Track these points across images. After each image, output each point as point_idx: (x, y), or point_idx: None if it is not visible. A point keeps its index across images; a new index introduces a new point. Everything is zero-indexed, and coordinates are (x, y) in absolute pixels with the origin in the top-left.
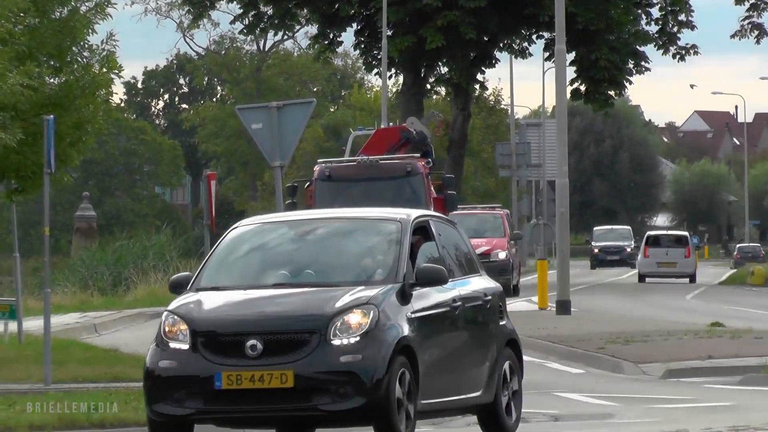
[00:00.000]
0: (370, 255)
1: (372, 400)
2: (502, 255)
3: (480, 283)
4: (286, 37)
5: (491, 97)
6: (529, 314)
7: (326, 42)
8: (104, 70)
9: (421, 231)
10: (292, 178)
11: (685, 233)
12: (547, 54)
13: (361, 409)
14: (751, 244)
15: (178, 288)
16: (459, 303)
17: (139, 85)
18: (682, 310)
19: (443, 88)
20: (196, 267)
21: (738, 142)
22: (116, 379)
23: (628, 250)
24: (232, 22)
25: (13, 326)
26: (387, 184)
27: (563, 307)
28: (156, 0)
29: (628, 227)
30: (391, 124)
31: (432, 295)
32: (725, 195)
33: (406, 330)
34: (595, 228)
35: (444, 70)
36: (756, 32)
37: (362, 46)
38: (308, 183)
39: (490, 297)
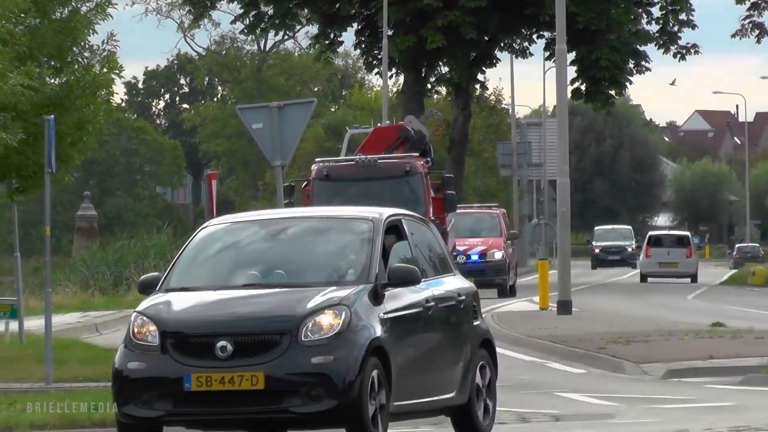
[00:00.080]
0: (342, 255)
1: (344, 402)
2: (498, 255)
3: (453, 282)
4: (286, 37)
5: (492, 97)
6: (530, 314)
7: (327, 42)
8: (105, 70)
9: (394, 230)
10: (293, 177)
11: (687, 233)
12: (547, 53)
13: (332, 411)
14: (750, 244)
15: (147, 288)
16: (432, 303)
17: (140, 85)
18: (683, 310)
19: (444, 88)
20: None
21: (739, 142)
22: None
23: (629, 249)
24: (233, 22)
25: (14, 326)
26: (385, 184)
27: (564, 307)
28: (157, 0)
29: (629, 227)
30: (388, 123)
31: (405, 296)
32: (726, 194)
33: (378, 331)
34: (596, 228)
35: (444, 69)
36: (757, 31)
37: (363, 45)
38: (305, 182)
39: (463, 297)
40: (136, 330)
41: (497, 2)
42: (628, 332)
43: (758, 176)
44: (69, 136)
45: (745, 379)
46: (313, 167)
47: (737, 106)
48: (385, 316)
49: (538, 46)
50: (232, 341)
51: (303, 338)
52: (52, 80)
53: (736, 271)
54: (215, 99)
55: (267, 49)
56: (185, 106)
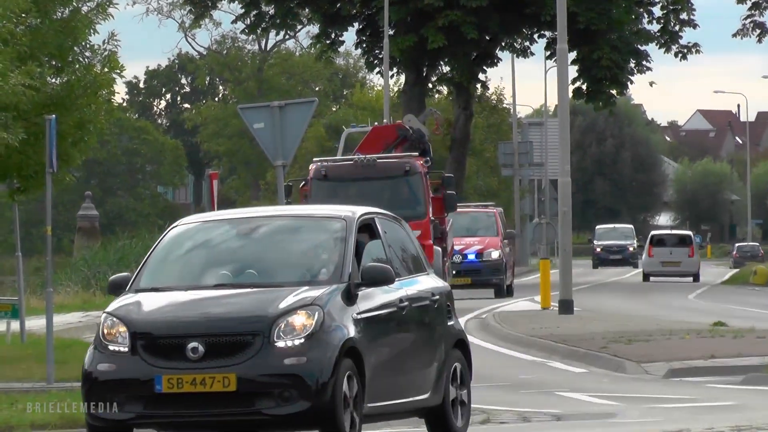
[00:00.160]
0: (315, 254)
1: (317, 404)
2: (494, 254)
3: (427, 282)
4: (287, 36)
5: (493, 97)
6: (531, 314)
7: (328, 41)
8: (106, 69)
9: (367, 229)
10: (295, 177)
11: (689, 233)
12: (548, 53)
13: (305, 413)
14: (749, 243)
15: (117, 289)
16: (406, 303)
17: (141, 85)
18: (685, 310)
19: (445, 88)
20: None
21: (740, 141)
22: None
23: (631, 249)
24: (234, 22)
25: (15, 325)
26: (385, 184)
27: (566, 306)
28: (158, 0)
29: (631, 226)
30: (385, 121)
31: (378, 296)
32: (727, 194)
33: (351, 331)
34: (597, 227)
35: (446, 69)
36: (758, 31)
37: (364, 45)
38: (303, 182)
39: (437, 297)
40: (105, 331)
41: (498, 2)
42: (630, 332)
43: (759, 176)
44: (70, 135)
45: (746, 379)
46: (311, 167)
47: (738, 106)
48: (359, 317)
49: (539, 46)
50: (204, 342)
51: (275, 339)
52: (53, 80)
53: (737, 270)
54: (216, 99)
55: (268, 48)
56: (186, 105)
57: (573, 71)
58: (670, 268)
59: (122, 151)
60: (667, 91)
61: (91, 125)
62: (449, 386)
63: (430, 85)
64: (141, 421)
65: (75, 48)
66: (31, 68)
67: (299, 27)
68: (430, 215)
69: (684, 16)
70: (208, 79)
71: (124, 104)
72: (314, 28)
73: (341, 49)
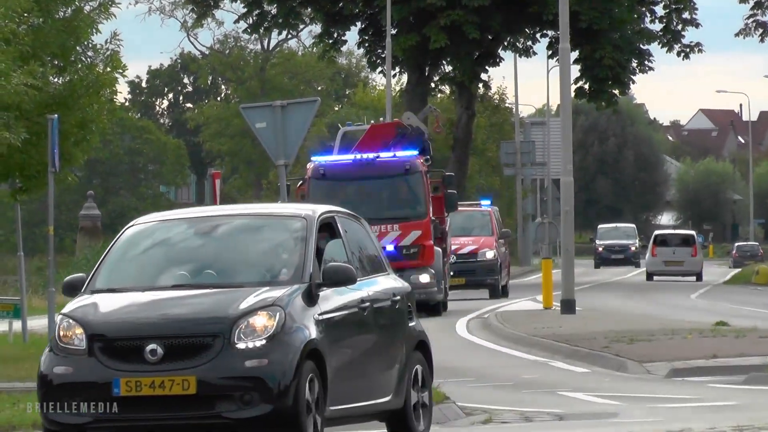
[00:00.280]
0: (275, 254)
1: (279, 407)
2: (489, 254)
3: (388, 282)
4: (290, 36)
5: (496, 96)
6: (533, 313)
7: (330, 41)
8: (108, 69)
9: (327, 228)
10: (296, 176)
11: (692, 233)
12: (550, 52)
13: (267, 416)
14: (749, 243)
15: (72, 290)
16: (367, 304)
17: (144, 85)
18: (687, 309)
19: (447, 87)
20: None
21: (743, 141)
22: None
23: (633, 248)
24: (236, 21)
25: (17, 325)
26: (384, 183)
27: (568, 306)
28: None
29: (633, 225)
30: (382, 120)
31: (339, 296)
32: (730, 193)
33: (313, 333)
34: (599, 226)
35: (448, 68)
36: (760, 30)
37: (366, 44)
38: (300, 182)
39: (398, 297)
40: (62, 333)
41: (500, 1)
42: (632, 331)
43: (762, 175)
44: (72, 135)
45: (748, 378)
46: (309, 166)
47: (741, 105)
48: (320, 318)
49: (541, 45)
50: (163, 344)
51: (236, 341)
52: (56, 79)
53: (739, 270)
54: (219, 98)
55: (270, 48)
56: (189, 105)
57: (575, 71)
58: (673, 267)
59: (124, 151)
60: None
61: (94, 125)
62: (411, 389)
63: (433, 85)
64: (99, 425)
65: (77, 47)
66: (34, 68)
67: (301, 26)
68: (431, 215)
69: (686, 15)
70: (210, 78)
71: (127, 104)
72: (316, 28)
73: (344, 48)
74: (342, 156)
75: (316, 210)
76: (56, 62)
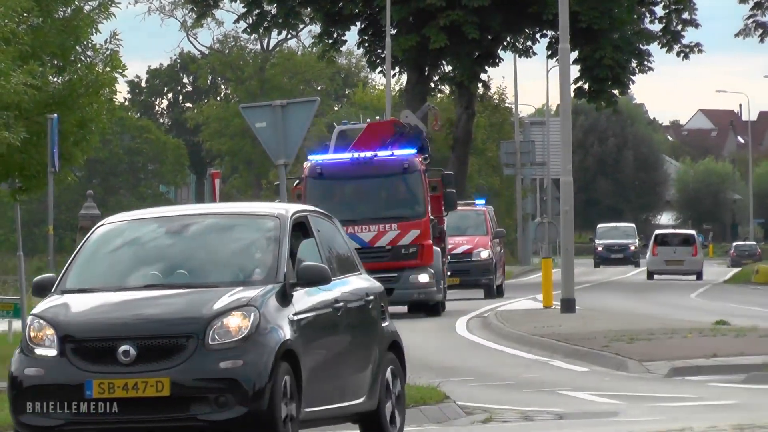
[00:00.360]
0: (248, 253)
1: (254, 410)
2: (484, 254)
3: (360, 282)
4: (289, 35)
5: (495, 96)
6: (533, 312)
7: (330, 41)
8: (108, 69)
9: (300, 227)
10: (296, 176)
11: (693, 232)
12: (550, 52)
13: (242, 418)
14: (747, 243)
15: (42, 291)
16: (341, 304)
17: (143, 84)
18: (687, 309)
19: (447, 87)
20: None
21: (742, 141)
22: None
23: (633, 248)
24: (236, 21)
25: (17, 324)
26: (382, 182)
27: (568, 305)
28: None
29: (632, 225)
30: (378, 118)
31: (313, 296)
32: (730, 193)
33: (288, 333)
34: (598, 225)
35: (448, 68)
36: (760, 31)
37: (366, 44)
38: (297, 181)
39: (372, 297)
40: (32, 334)
41: (500, 1)
42: (632, 330)
43: (761, 175)
44: (72, 135)
45: (748, 378)
46: (306, 165)
47: (741, 105)
48: (295, 318)
49: (541, 45)
50: (136, 345)
51: (210, 342)
52: (55, 79)
53: (739, 269)
54: (218, 98)
55: (270, 47)
56: (188, 104)
57: (575, 71)
58: (674, 266)
59: (124, 151)
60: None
61: (93, 124)
62: (384, 390)
63: (432, 85)
64: (71, 428)
65: (77, 47)
66: (33, 67)
67: (301, 26)
68: (429, 214)
69: (686, 15)
70: (210, 78)
71: (126, 103)
72: (316, 28)
73: (343, 48)
74: (339, 155)
75: (289, 209)
76: (56, 62)
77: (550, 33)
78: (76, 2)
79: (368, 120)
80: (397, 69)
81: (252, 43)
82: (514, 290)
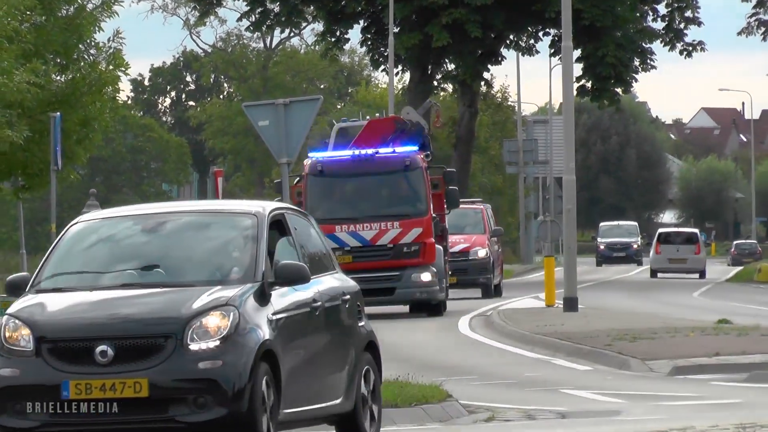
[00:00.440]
0: (225, 252)
1: (234, 411)
2: (481, 253)
3: (337, 281)
4: (292, 34)
5: (498, 94)
6: (536, 311)
7: (333, 39)
8: (111, 67)
9: (277, 225)
10: (297, 173)
11: (696, 231)
12: (552, 50)
13: (222, 420)
14: (748, 241)
15: (16, 290)
16: (319, 303)
17: (146, 83)
18: (689, 307)
19: (450, 85)
20: None
21: (745, 139)
22: None
23: (635, 246)
24: (239, 20)
25: None
26: (384, 180)
27: (570, 304)
28: None
29: (635, 223)
30: (378, 115)
31: (291, 295)
32: (732, 192)
33: (267, 333)
34: (601, 224)
35: (451, 67)
36: (763, 29)
37: (369, 43)
38: (297, 179)
39: (348, 296)
40: (8, 334)
41: None
42: (634, 329)
43: (764, 173)
44: (75, 133)
45: (751, 376)
46: (306, 162)
47: (743, 104)
48: (273, 318)
49: (543, 44)
50: (113, 345)
51: (189, 342)
52: (58, 77)
53: (741, 268)
54: (221, 96)
55: (273, 46)
56: (191, 103)
57: (578, 69)
58: (677, 264)
59: (127, 149)
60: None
61: (96, 123)
62: (360, 391)
63: (435, 83)
64: (47, 429)
65: (80, 45)
66: (36, 66)
67: (304, 24)
68: (432, 212)
69: (688, 13)
70: (212, 76)
71: (129, 102)
72: (319, 26)
73: (346, 46)
74: (340, 152)
75: (266, 207)
76: (59, 60)
77: (552, 31)
78: (79, 1)
79: (368, 117)
80: (399, 67)
81: (255, 42)
82: (516, 289)
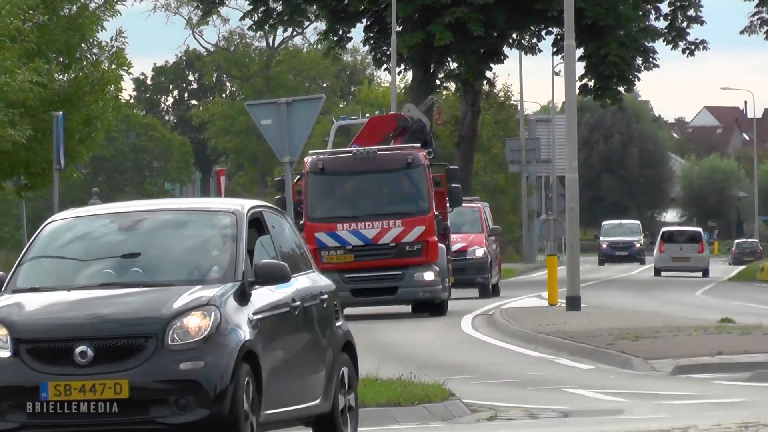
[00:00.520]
0: (204, 250)
1: (216, 412)
2: (479, 252)
3: (314, 280)
4: (295, 33)
5: (501, 93)
6: (539, 310)
7: (335, 38)
8: (113, 66)
9: (255, 223)
10: (297, 171)
11: (699, 230)
12: (555, 49)
13: (204, 421)
14: (749, 240)
15: None
16: (298, 303)
17: (149, 82)
18: (692, 306)
19: (452, 84)
20: None
21: (747, 138)
22: None
23: (638, 245)
24: (242, 19)
25: None
26: (386, 177)
27: (573, 303)
28: None
29: (638, 222)
30: (378, 112)
31: (271, 295)
32: (735, 190)
33: (248, 334)
34: (603, 222)
35: (453, 65)
36: (765, 28)
37: (371, 42)
38: (298, 177)
39: (326, 296)
40: None
41: None
42: (637, 328)
43: (766, 172)
44: (77, 132)
45: (753, 375)
46: (307, 160)
47: (746, 102)
48: (254, 318)
49: (546, 43)
50: (93, 346)
51: (170, 342)
52: (61, 76)
53: (743, 267)
54: (224, 95)
55: (275, 45)
56: (194, 102)
57: (580, 68)
58: (681, 263)
59: (129, 148)
60: (674, 88)
61: (99, 122)
62: (338, 391)
63: (438, 82)
64: (26, 431)
65: (82, 45)
66: (39, 65)
67: (307, 23)
68: (434, 210)
69: (691, 12)
70: (215, 75)
71: (132, 101)
72: (322, 25)
73: (349, 45)
74: (341, 149)
75: (245, 204)
76: (61, 59)
77: (555, 30)
78: (82, 0)
79: (367, 115)
80: (402, 66)
81: (257, 41)
82: (519, 288)
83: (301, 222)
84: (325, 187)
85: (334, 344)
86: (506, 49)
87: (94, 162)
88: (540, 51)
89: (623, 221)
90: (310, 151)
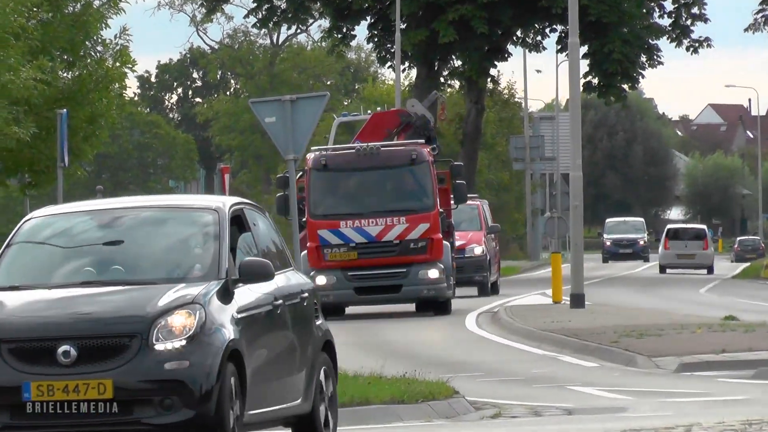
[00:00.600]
0: (186, 248)
1: (202, 413)
2: (478, 250)
3: (295, 278)
4: (299, 30)
5: (505, 91)
6: (543, 308)
7: (339, 35)
8: (117, 64)
9: (237, 220)
10: (300, 168)
11: (704, 227)
12: (559, 47)
13: (189, 422)
14: (751, 237)
15: None
16: (280, 301)
17: (153, 79)
18: (696, 304)
19: (457, 82)
20: None
21: (751, 135)
22: None
23: (642, 243)
24: (246, 16)
25: None
26: (389, 174)
27: (577, 300)
28: None
29: (641, 219)
30: (379, 109)
31: (253, 293)
32: (739, 188)
33: (232, 333)
34: (607, 220)
35: (457, 63)
36: None
37: (375, 39)
38: (300, 173)
39: (306, 294)
40: None
41: None
42: (641, 326)
43: None
44: (81, 130)
45: (757, 373)
46: (309, 156)
47: (750, 100)
48: (238, 316)
49: (550, 41)
50: (76, 345)
51: (154, 341)
52: (65, 74)
53: (747, 264)
54: (228, 93)
55: (280, 42)
56: (198, 99)
57: (584, 65)
58: (685, 260)
59: (134, 146)
60: (678, 85)
61: (103, 119)
62: (318, 391)
63: (442, 80)
64: None
65: (87, 42)
66: (43, 62)
67: (311, 21)
68: (438, 207)
69: (695, 10)
70: (219, 73)
71: (136, 98)
72: (326, 22)
73: (353, 43)
74: (344, 145)
75: (226, 202)
76: (65, 57)
77: (559, 27)
78: None
79: (369, 111)
80: (406, 64)
81: (262, 38)
82: (523, 285)
83: (304, 219)
84: (328, 183)
85: (314, 344)
86: (510, 47)
87: (98, 159)
88: (544, 48)
89: (627, 219)
90: (313, 148)
